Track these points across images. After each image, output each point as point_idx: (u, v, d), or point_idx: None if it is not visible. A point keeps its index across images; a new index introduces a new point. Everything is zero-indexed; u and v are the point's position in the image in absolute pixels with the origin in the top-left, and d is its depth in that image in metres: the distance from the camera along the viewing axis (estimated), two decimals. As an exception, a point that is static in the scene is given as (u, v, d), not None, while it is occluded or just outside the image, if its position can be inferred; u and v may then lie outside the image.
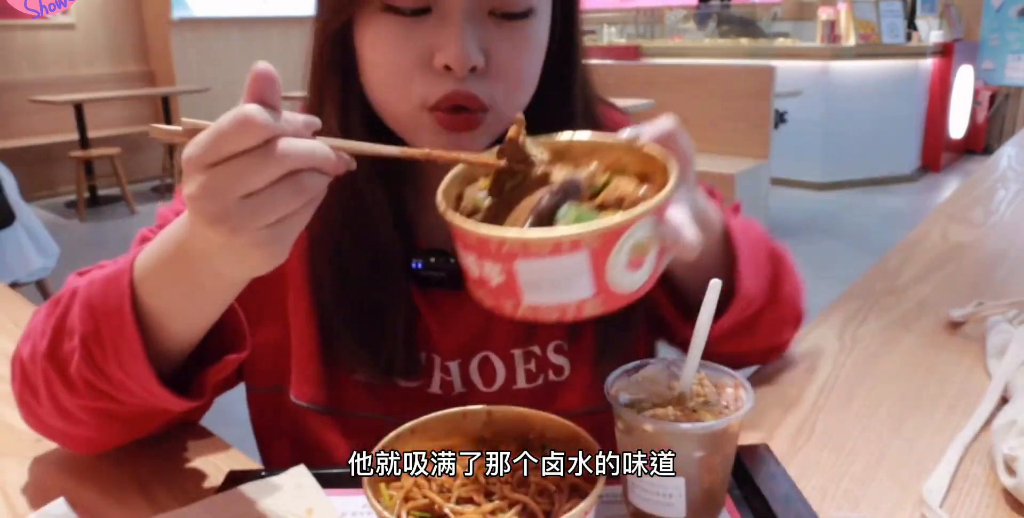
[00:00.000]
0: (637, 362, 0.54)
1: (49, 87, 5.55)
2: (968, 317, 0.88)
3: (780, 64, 4.34)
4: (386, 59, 0.57)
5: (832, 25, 5.41)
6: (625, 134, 0.49)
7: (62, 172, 5.57)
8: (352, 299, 0.64)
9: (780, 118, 5.14)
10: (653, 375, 0.53)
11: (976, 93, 6.10)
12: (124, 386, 0.53)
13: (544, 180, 0.48)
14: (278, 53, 6.67)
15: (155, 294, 0.51)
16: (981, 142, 6.30)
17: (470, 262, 0.45)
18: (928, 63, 5.52)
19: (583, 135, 0.51)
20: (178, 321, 0.53)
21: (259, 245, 0.42)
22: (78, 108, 5.04)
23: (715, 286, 0.51)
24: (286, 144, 0.40)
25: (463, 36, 0.54)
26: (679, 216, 0.45)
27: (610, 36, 6.68)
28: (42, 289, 2.69)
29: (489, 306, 0.46)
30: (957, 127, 5.96)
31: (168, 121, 5.68)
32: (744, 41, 5.78)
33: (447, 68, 0.55)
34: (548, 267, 0.42)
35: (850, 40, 5.35)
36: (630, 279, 0.44)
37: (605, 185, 0.48)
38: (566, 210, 0.45)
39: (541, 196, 0.46)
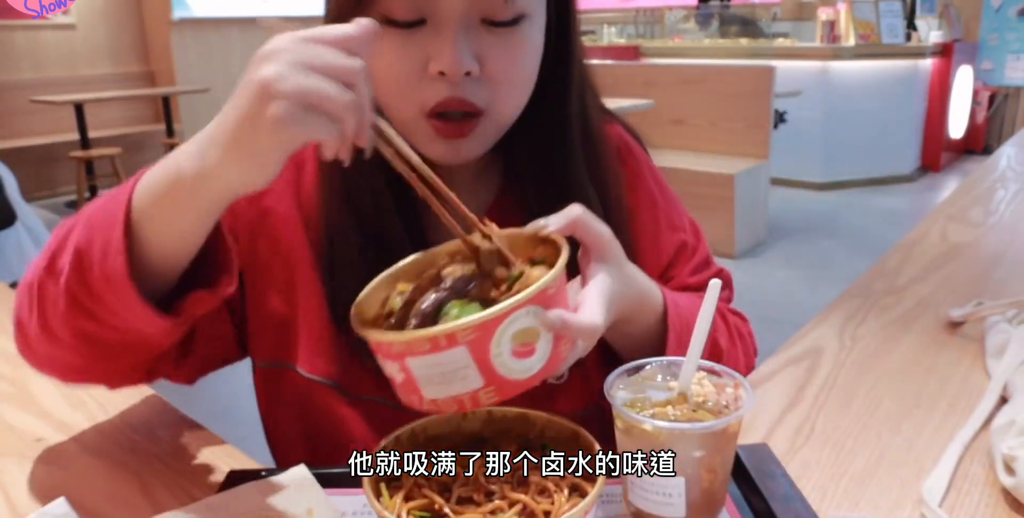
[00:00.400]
0: (637, 362, 0.54)
1: (50, 87, 5.55)
2: (967, 317, 0.88)
3: (780, 64, 4.34)
4: (386, 69, 0.59)
5: (832, 25, 5.42)
6: (530, 225, 0.53)
7: (63, 172, 5.57)
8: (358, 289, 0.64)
9: (780, 118, 5.14)
10: (653, 375, 0.54)
11: (975, 93, 6.11)
12: (103, 300, 0.52)
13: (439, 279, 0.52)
14: (278, 53, 6.67)
15: (148, 212, 0.52)
16: (980, 142, 6.30)
17: (380, 362, 0.49)
18: (927, 63, 5.52)
19: (496, 230, 0.53)
20: (165, 237, 0.53)
21: (289, 120, 0.43)
22: (79, 108, 5.04)
23: (715, 285, 0.51)
24: (362, 80, 0.45)
25: (456, 43, 0.57)
26: (585, 298, 0.50)
27: (610, 36, 6.68)
28: (42, 289, 2.69)
29: (405, 403, 0.49)
30: (956, 127, 5.96)
31: (168, 121, 5.69)
32: (744, 41, 5.79)
33: (442, 74, 0.57)
34: (434, 362, 0.45)
35: (850, 40, 5.35)
36: (522, 366, 0.47)
37: (520, 276, 0.50)
38: (449, 308, 0.48)
39: (426, 297, 0.49)
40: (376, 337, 0.47)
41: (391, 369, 0.48)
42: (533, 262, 0.53)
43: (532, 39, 0.61)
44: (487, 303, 0.48)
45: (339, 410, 0.67)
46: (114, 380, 0.63)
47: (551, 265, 0.50)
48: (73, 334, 0.55)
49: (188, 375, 0.67)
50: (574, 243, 0.54)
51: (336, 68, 0.44)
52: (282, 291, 0.68)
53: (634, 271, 0.60)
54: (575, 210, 0.53)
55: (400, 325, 0.49)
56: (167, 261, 0.54)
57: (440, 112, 0.59)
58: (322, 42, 0.45)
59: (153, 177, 0.52)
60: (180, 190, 0.50)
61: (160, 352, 0.61)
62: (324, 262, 0.66)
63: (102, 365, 0.60)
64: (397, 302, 0.52)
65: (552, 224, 0.52)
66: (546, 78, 0.64)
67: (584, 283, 0.54)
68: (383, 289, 0.53)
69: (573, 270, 0.55)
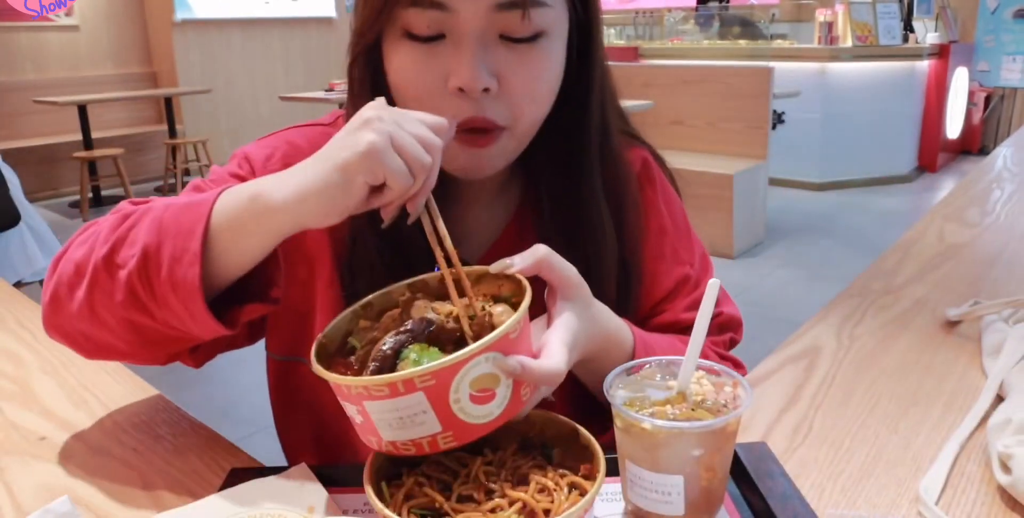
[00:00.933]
0: (636, 361, 0.54)
1: (53, 88, 5.56)
2: (964, 316, 0.89)
3: (778, 65, 4.34)
4: (407, 83, 0.60)
5: (829, 27, 5.42)
6: (495, 264, 0.54)
7: (66, 172, 5.57)
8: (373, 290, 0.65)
9: (778, 119, 5.15)
10: (652, 374, 0.54)
11: (972, 94, 6.12)
12: (166, 302, 0.55)
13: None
14: (280, 54, 6.68)
15: (223, 231, 0.55)
16: (977, 143, 6.31)
17: (341, 403, 0.49)
18: (924, 64, 5.53)
19: (463, 268, 0.54)
20: (232, 255, 0.56)
21: (369, 146, 0.49)
22: (82, 109, 5.05)
23: (714, 285, 0.51)
24: (438, 156, 0.52)
25: (474, 60, 0.57)
26: (550, 338, 0.52)
27: (609, 37, 6.69)
28: (46, 289, 2.69)
29: (365, 442, 0.50)
30: (953, 128, 5.97)
31: (171, 122, 5.69)
32: (743, 42, 5.79)
33: (461, 90, 0.58)
34: (392, 407, 0.46)
35: (847, 41, 5.36)
36: (481, 411, 0.47)
37: (483, 312, 0.52)
38: (407, 352, 0.48)
39: (384, 341, 0.49)
40: (335, 380, 0.47)
41: (350, 410, 0.48)
42: (496, 299, 0.54)
43: (551, 55, 0.61)
44: (447, 346, 0.49)
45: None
46: (139, 360, 0.64)
47: (515, 304, 0.52)
48: (122, 323, 0.58)
49: (200, 360, 0.67)
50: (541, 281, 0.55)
51: (422, 136, 0.50)
52: (302, 287, 0.69)
53: (601, 311, 0.60)
54: (540, 250, 0.55)
55: (360, 367, 0.50)
56: (228, 273, 0.57)
57: (464, 129, 0.60)
58: (414, 117, 0.52)
59: (234, 199, 0.55)
60: (257, 216, 0.54)
61: (197, 344, 0.64)
62: (344, 262, 0.67)
63: (138, 350, 0.62)
64: (356, 342, 0.52)
65: (517, 264, 0.53)
66: (567, 95, 0.64)
67: (549, 322, 0.55)
68: (347, 323, 0.54)
69: (540, 308, 0.56)
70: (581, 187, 0.67)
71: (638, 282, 0.71)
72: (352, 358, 0.51)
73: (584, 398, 0.66)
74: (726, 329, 0.75)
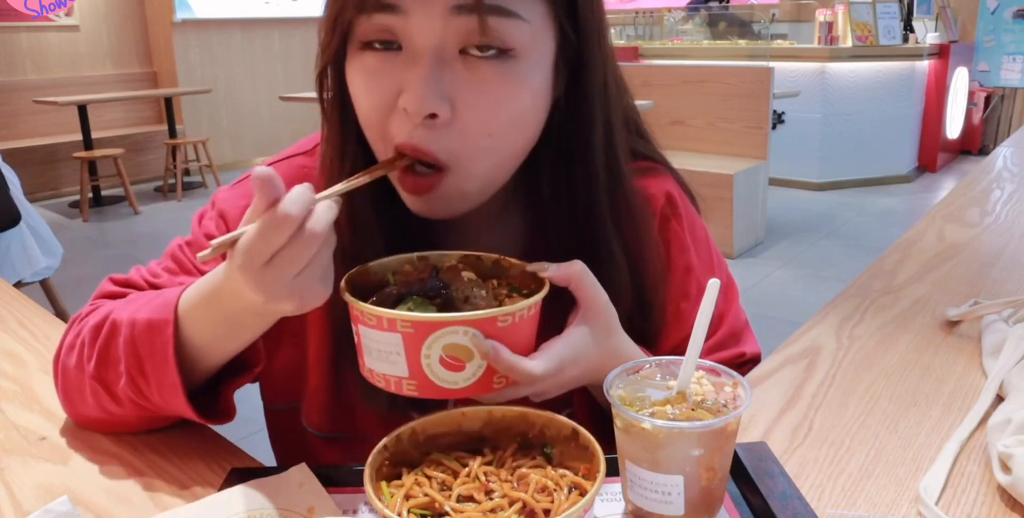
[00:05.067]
0: (636, 361, 0.54)
1: (53, 88, 5.57)
2: (964, 316, 0.89)
3: (778, 65, 4.34)
4: (363, 96, 0.55)
5: (829, 27, 5.42)
6: (533, 265, 0.55)
7: (66, 172, 5.57)
8: None
9: (778, 119, 5.15)
10: (652, 374, 0.54)
11: (972, 94, 6.12)
12: (163, 407, 0.60)
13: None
14: (280, 54, 6.67)
15: (197, 333, 0.57)
16: (977, 143, 6.31)
17: (352, 326, 0.53)
18: (924, 64, 5.53)
19: (517, 264, 0.57)
20: (215, 352, 0.59)
21: (294, 294, 0.49)
22: (82, 109, 5.06)
23: (714, 285, 0.51)
24: (312, 225, 0.47)
25: (426, 79, 0.50)
26: (547, 345, 0.53)
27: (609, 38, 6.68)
28: (46, 289, 2.68)
29: (358, 364, 0.54)
30: (953, 128, 5.97)
31: (171, 122, 5.69)
32: (743, 42, 5.79)
33: (407, 111, 0.52)
34: (375, 338, 0.50)
35: (847, 41, 5.36)
36: (448, 376, 0.51)
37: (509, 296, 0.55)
38: (408, 300, 0.53)
39: (400, 284, 0.55)
40: (347, 298, 0.51)
41: (353, 329, 0.53)
42: (516, 292, 0.56)
43: (520, 80, 0.53)
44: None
45: (348, 450, 0.69)
46: (163, 426, 0.68)
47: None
48: (135, 417, 0.63)
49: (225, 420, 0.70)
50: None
51: (275, 238, 0.46)
52: (294, 340, 0.68)
53: (623, 342, 0.58)
54: (577, 265, 0.54)
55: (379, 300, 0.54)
56: (212, 364, 0.60)
57: (400, 154, 0.54)
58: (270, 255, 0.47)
59: (199, 313, 0.57)
60: (229, 320, 0.56)
61: None
62: (333, 309, 0.63)
63: (156, 425, 0.67)
64: (392, 279, 0.57)
65: (551, 270, 0.54)
66: (564, 125, 0.58)
67: (560, 336, 0.55)
68: (396, 264, 0.58)
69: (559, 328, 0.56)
70: (589, 225, 0.61)
71: (661, 321, 0.67)
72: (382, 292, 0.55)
73: (601, 417, 0.62)
74: (747, 366, 0.74)
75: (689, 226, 0.71)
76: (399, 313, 0.49)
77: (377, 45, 0.53)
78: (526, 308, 0.51)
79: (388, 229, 0.61)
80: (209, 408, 0.61)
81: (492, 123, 0.53)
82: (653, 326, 0.67)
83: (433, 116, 0.51)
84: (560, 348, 0.53)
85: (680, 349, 0.70)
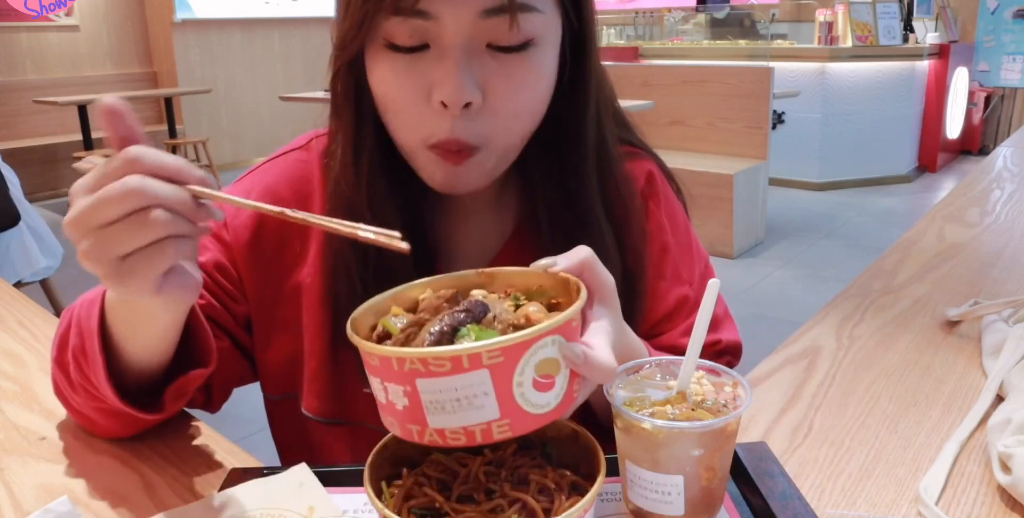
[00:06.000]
0: (636, 361, 0.54)
1: (53, 88, 5.57)
2: (964, 316, 0.89)
3: (778, 65, 4.34)
4: (390, 95, 0.57)
5: (829, 26, 5.42)
6: (540, 262, 0.50)
7: (66, 172, 5.58)
8: None
9: (778, 119, 5.15)
10: (652, 374, 0.54)
11: (971, 94, 6.12)
12: (102, 391, 0.58)
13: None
14: (280, 54, 6.68)
15: (117, 323, 0.56)
16: (977, 143, 6.32)
17: (377, 387, 0.44)
18: (924, 64, 5.53)
19: (506, 269, 0.52)
20: (131, 342, 0.57)
21: (118, 276, 0.45)
22: (82, 109, 5.06)
23: (714, 285, 0.51)
24: (157, 215, 0.43)
25: (458, 72, 0.53)
26: (592, 340, 0.47)
27: (609, 37, 6.69)
28: (46, 289, 2.69)
29: (398, 433, 0.45)
30: (953, 128, 5.98)
31: (171, 122, 5.69)
32: (743, 42, 5.80)
33: (444, 104, 0.55)
34: (450, 386, 0.41)
35: (847, 41, 5.36)
36: (541, 399, 0.43)
37: (517, 308, 0.48)
38: (466, 331, 0.44)
39: (442, 316, 0.45)
40: (386, 352, 0.42)
41: (394, 393, 0.43)
42: (530, 297, 0.50)
43: (541, 65, 0.58)
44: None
45: (340, 445, 0.69)
46: (138, 432, 0.67)
47: (554, 305, 0.49)
48: (96, 411, 0.62)
49: (214, 406, 0.70)
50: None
51: (113, 206, 0.43)
52: (289, 327, 0.69)
53: (625, 325, 0.57)
54: (584, 251, 0.51)
55: (407, 345, 0.45)
56: (148, 359, 0.59)
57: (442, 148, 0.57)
58: (92, 187, 0.44)
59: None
60: (135, 315, 0.54)
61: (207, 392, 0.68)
62: (330, 296, 0.65)
63: (127, 428, 0.65)
64: (394, 324, 0.48)
65: (561, 263, 0.50)
66: (560, 106, 0.61)
67: (586, 327, 0.51)
68: (371, 316, 0.49)
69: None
70: (580, 203, 0.64)
71: (641, 302, 0.69)
72: (389, 342, 0.46)
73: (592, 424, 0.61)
74: (724, 355, 0.73)
75: (667, 208, 0.73)
76: (484, 344, 0.40)
77: (406, 47, 0.55)
78: (583, 306, 0.46)
79: (398, 211, 0.63)
80: (141, 400, 0.60)
81: (518, 106, 0.57)
82: (639, 302, 0.68)
83: (467, 105, 0.55)
84: (605, 335, 0.50)
85: (656, 330, 0.71)
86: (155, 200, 0.43)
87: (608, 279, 0.53)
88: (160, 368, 0.60)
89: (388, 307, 0.50)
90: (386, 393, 0.43)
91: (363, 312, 0.48)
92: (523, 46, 0.56)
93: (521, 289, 0.51)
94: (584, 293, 0.47)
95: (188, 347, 0.61)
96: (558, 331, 0.43)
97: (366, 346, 0.43)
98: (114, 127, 0.45)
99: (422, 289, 0.51)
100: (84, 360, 0.58)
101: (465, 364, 0.40)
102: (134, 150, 0.44)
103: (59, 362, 0.62)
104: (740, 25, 5.98)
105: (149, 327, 0.56)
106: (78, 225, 0.44)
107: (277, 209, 0.46)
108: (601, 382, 0.49)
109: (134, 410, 0.59)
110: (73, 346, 0.59)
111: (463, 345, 0.41)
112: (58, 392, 0.65)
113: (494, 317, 0.46)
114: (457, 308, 0.46)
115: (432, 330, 0.44)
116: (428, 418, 0.42)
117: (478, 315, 0.45)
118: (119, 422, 0.64)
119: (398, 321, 0.48)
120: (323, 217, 0.46)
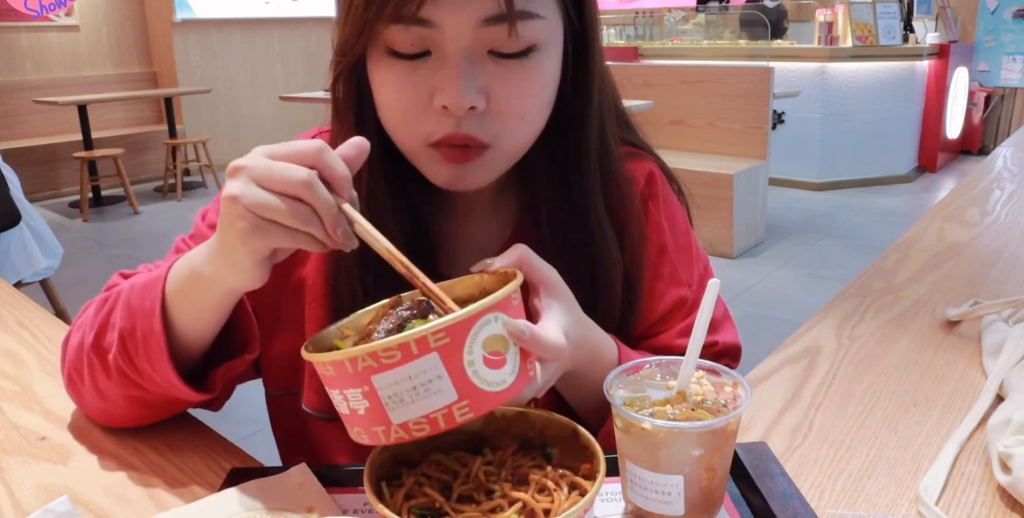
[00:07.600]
0: (635, 361, 0.54)
1: (53, 88, 5.58)
2: (964, 316, 0.89)
3: (778, 65, 4.34)
4: (392, 100, 0.58)
5: (829, 27, 5.42)
6: (476, 265, 0.53)
7: (66, 172, 5.58)
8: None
9: (778, 119, 5.15)
10: (652, 374, 0.54)
11: (971, 94, 6.12)
12: (150, 378, 0.59)
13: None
14: (280, 54, 6.68)
15: (176, 302, 0.58)
16: (977, 143, 6.32)
17: (337, 399, 0.46)
18: (924, 64, 5.53)
19: (446, 282, 0.53)
20: (193, 324, 0.59)
21: (254, 229, 0.48)
22: (82, 109, 5.06)
23: (714, 284, 0.51)
24: (312, 191, 0.47)
25: (460, 78, 0.54)
26: (540, 322, 0.51)
27: (609, 38, 6.69)
28: (46, 289, 2.69)
29: (366, 441, 0.46)
30: (953, 128, 5.98)
31: (171, 122, 5.69)
32: (743, 42, 5.79)
33: (446, 108, 0.55)
34: (404, 375, 0.42)
35: (847, 42, 5.36)
36: (495, 377, 0.45)
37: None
38: (412, 325, 0.46)
39: (388, 317, 0.48)
40: (337, 356, 0.43)
41: (354, 398, 0.44)
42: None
43: (544, 70, 0.58)
44: None
45: (339, 441, 0.69)
46: (156, 421, 0.68)
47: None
48: (127, 399, 0.63)
49: (217, 405, 0.70)
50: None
51: (283, 183, 0.47)
52: (292, 323, 0.69)
53: (585, 318, 0.58)
54: (519, 248, 0.54)
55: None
56: (196, 339, 0.60)
57: (447, 144, 0.58)
58: (278, 156, 0.48)
59: (179, 272, 0.58)
60: (197, 287, 0.56)
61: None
62: (331, 295, 0.66)
63: (148, 416, 0.67)
64: (346, 344, 0.50)
65: (498, 262, 0.53)
66: (563, 107, 0.62)
67: (538, 317, 0.53)
68: (331, 336, 0.51)
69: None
70: (580, 202, 0.64)
71: (639, 302, 0.69)
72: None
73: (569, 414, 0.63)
74: (722, 357, 0.73)
75: (667, 209, 0.73)
76: (427, 327, 0.42)
77: (407, 54, 0.55)
78: (519, 286, 0.48)
79: (399, 212, 0.63)
80: (198, 384, 0.61)
81: (523, 110, 0.58)
82: (637, 302, 0.69)
83: (472, 108, 0.56)
84: (555, 321, 0.52)
85: (652, 330, 0.71)
86: (312, 200, 0.47)
87: (550, 271, 0.55)
88: (201, 353, 0.62)
89: (342, 334, 0.52)
90: (347, 402, 0.45)
91: (318, 340, 0.51)
92: (525, 52, 0.56)
93: (465, 297, 0.53)
94: (520, 276, 0.49)
95: (226, 335, 0.62)
96: (498, 308, 0.45)
97: (317, 357, 0.44)
98: (346, 158, 0.49)
99: (373, 316, 0.53)
100: (133, 342, 0.58)
101: (414, 350, 0.42)
102: (326, 148, 0.48)
103: (95, 347, 0.61)
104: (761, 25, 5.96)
105: (208, 309, 0.57)
106: (247, 172, 0.48)
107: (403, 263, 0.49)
108: (552, 360, 0.50)
109: (190, 389, 0.59)
110: (121, 328, 0.59)
111: (408, 333, 0.42)
112: (76, 381, 0.64)
113: (440, 314, 0.48)
114: (401, 307, 0.49)
115: (379, 330, 0.47)
116: (390, 415, 0.43)
117: (423, 312, 0.48)
118: (148, 410, 0.65)
119: (349, 341, 0.51)
120: (424, 276, 0.48)
